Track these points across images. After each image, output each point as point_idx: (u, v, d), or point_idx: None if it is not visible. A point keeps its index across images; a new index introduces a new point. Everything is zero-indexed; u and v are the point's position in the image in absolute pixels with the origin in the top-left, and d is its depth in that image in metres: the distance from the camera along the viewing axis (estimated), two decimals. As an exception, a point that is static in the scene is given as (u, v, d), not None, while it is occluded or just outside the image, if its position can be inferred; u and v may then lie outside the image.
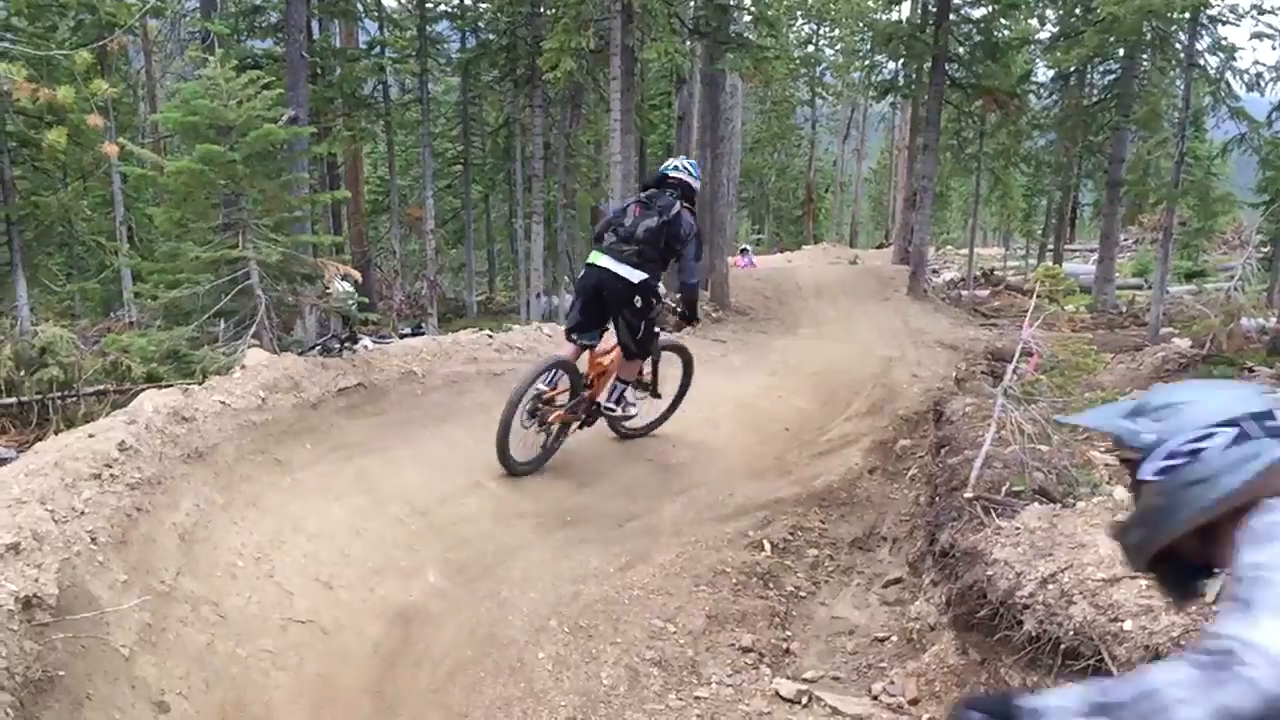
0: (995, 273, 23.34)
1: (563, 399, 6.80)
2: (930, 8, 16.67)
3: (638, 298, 6.75)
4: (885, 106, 32.44)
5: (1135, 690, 1.36)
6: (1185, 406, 1.68)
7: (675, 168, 7.12)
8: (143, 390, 5.84)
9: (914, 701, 4.32)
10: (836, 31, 33.05)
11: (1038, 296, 5.47)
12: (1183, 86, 13.53)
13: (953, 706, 1.71)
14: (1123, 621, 3.36)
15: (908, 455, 7.66)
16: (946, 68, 15.53)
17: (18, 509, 3.55)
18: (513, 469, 6.49)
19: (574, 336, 6.91)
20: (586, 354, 7.00)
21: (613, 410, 7.11)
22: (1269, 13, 13.69)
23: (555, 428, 6.84)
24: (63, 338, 8.30)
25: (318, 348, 7.43)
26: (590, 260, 6.91)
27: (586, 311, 6.85)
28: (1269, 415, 1.62)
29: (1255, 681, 1.26)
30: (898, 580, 5.75)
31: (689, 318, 7.35)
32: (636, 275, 6.69)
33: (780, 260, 25.92)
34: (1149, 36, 14.35)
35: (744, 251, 23.83)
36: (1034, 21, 20.29)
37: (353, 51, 20.10)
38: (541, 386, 6.63)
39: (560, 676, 4.43)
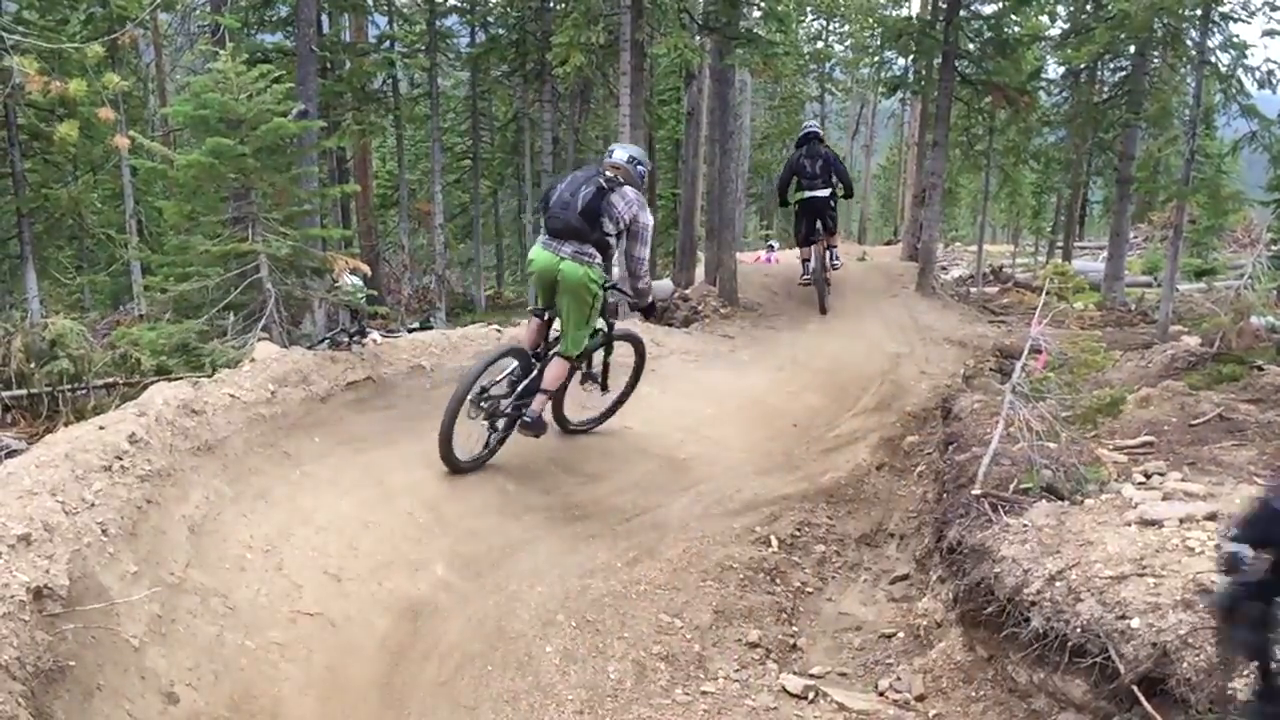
0: (1004, 270, 23.26)
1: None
2: (940, 4, 16.60)
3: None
4: (895, 103, 32.33)
5: None
6: None
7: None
8: (152, 383, 5.87)
9: (920, 698, 4.33)
10: (846, 27, 32.91)
11: (1047, 294, 5.45)
12: (1193, 84, 13.45)
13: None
14: (1130, 619, 3.36)
15: (916, 452, 7.66)
16: (956, 64, 15.45)
17: (29, 500, 3.58)
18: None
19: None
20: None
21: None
22: (1281, 9, 13.62)
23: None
24: (73, 330, 8.34)
25: (326, 341, 7.46)
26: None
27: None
28: None
29: None
30: (905, 577, 5.76)
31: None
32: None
33: (791, 255, 25.91)
34: (1160, 33, 14.27)
35: (770, 247, 23.84)
36: (1045, 18, 20.16)
37: (362, 46, 20.10)
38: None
39: (568, 670, 4.44)
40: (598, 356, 7.25)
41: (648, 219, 6.66)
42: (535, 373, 6.57)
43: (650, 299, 7.07)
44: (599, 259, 6.47)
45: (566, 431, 7.30)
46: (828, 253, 13.12)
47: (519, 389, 6.51)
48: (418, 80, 22.72)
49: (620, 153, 6.73)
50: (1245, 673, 2.92)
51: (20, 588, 3.11)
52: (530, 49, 19.80)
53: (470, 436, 6.32)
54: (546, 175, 19.86)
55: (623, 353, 7.53)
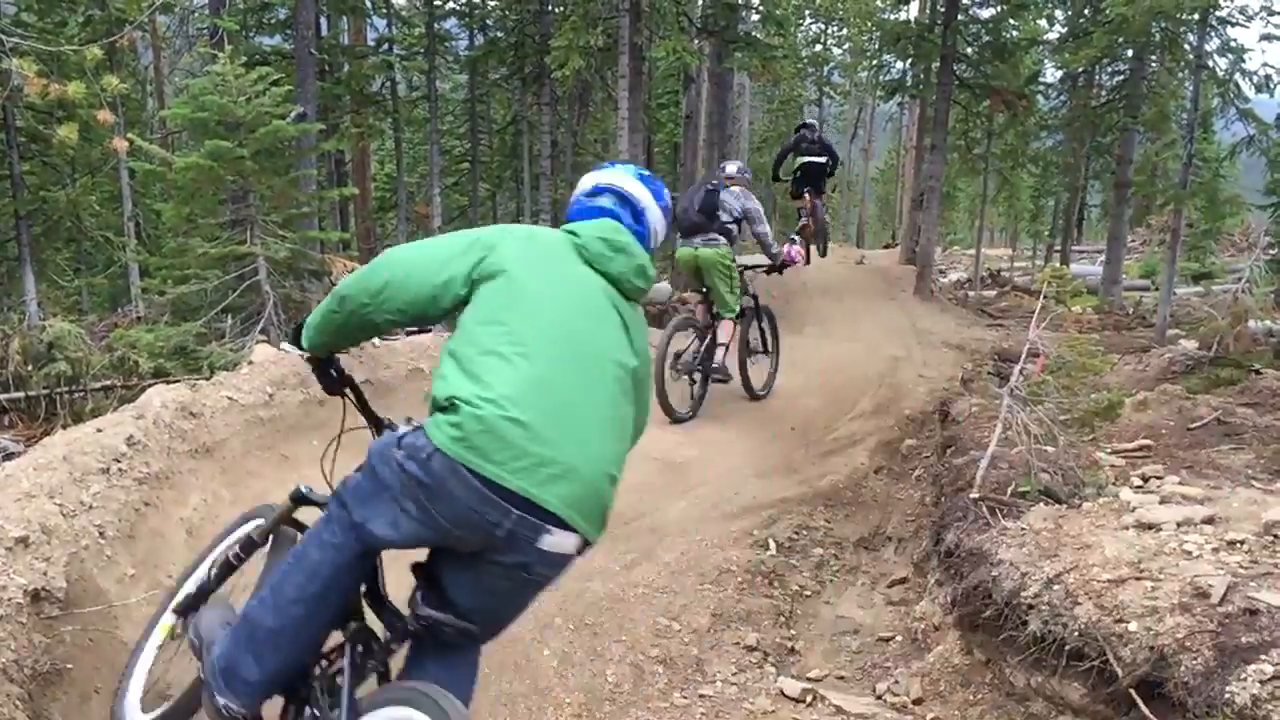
0: (1002, 273, 23.30)
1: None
2: (939, 8, 16.64)
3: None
4: (893, 106, 32.41)
5: None
6: None
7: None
8: (150, 385, 5.87)
9: (918, 701, 4.33)
10: (844, 31, 33.01)
11: (1044, 297, 5.45)
12: (1191, 88, 13.49)
13: None
14: (1128, 623, 3.36)
15: (914, 455, 7.66)
16: (954, 68, 15.50)
17: (26, 503, 3.57)
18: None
19: None
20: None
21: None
22: (1279, 14, 13.66)
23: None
24: (71, 332, 8.34)
25: (325, 344, 7.44)
26: None
27: None
28: None
29: None
30: (903, 580, 5.75)
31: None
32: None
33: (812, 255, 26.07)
34: (1158, 38, 14.30)
35: (792, 241, 24.11)
36: (1043, 22, 20.23)
37: (361, 48, 20.14)
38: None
39: (565, 673, 4.44)
40: (754, 333, 9.25)
41: (756, 205, 8.83)
42: (710, 336, 8.60)
43: (781, 259, 9.05)
44: (724, 240, 8.57)
45: (754, 397, 9.18)
46: (816, 205, 15.05)
47: (702, 351, 8.54)
48: (416, 83, 22.77)
49: (730, 166, 9.21)
50: (1243, 676, 2.92)
51: (18, 590, 3.11)
52: (529, 52, 19.84)
53: (680, 395, 8.31)
54: (545, 178, 19.89)
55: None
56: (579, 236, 2.82)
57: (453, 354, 2.56)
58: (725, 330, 8.63)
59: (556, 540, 2.45)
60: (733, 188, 8.78)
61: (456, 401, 2.42)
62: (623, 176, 3.07)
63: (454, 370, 2.51)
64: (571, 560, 2.57)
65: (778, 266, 9.14)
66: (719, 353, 8.54)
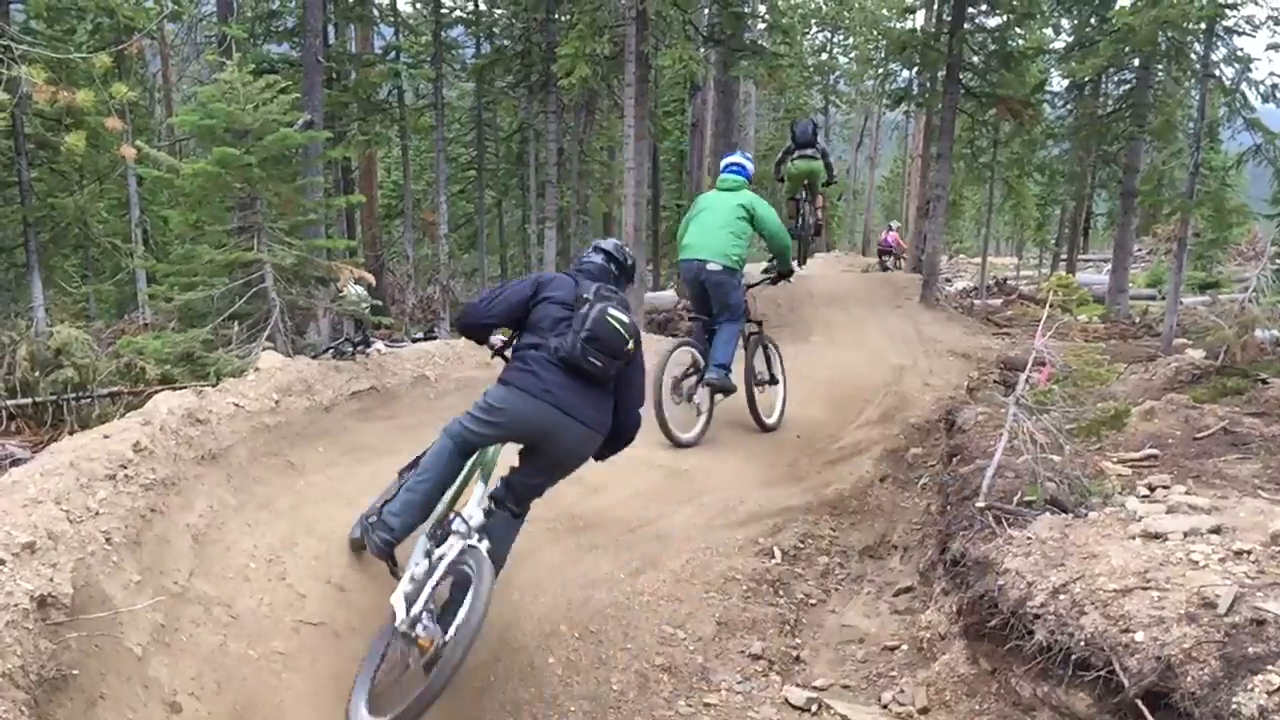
0: (1008, 282, 23.30)
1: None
2: (945, 16, 16.68)
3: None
4: (899, 115, 32.36)
5: None
6: None
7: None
8: (157, 392, 5.87)
9: (924, 710, 4.32)
10: (851, 40, 33.04)
11: (1051, 306, 5.45)
12: (1198, 97, 13.49)
13: None
14: (1134, 632, 3.35)
15: (919, 464, 7.65)
16: (961, 76, 15.50)
17: (33, 508, 3.57)
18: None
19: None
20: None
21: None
22: (1285, 23, 13.64)
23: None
24: (78, 339, 8.36)
25: (331, 351, 7.46)
26: None
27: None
28: None
29: None
30: (908, 589, 5.75)
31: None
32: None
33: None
34: (1164, 47, 14.30)
35: (890, 228, 24.97)
36: (1049, 31, 20.28)
37: (368, 56, 20.18)
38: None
39: (570, 681, 4.44)
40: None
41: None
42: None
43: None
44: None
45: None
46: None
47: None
48: (423, 91, 22.80)
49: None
50: (1250, 686, 2.91)
51: (24, 596, 3.11)
52: (536, 60, 19.87)
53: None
54: (551, 186, 19.93)
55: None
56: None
57: None
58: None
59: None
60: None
61: None
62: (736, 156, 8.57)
63: None
64: None
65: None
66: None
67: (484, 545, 4.16)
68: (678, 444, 7.73)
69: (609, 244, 5.21)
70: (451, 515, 4.45)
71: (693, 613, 5.18)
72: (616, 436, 4.78)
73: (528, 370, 4.56)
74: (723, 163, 8.71)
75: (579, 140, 21.36)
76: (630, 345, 4.52)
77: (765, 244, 8.47)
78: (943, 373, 10.98)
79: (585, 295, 4.63)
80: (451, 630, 3.75)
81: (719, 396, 8.15)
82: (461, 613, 3.77)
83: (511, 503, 4.68)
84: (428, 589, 4.07)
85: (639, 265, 7.18)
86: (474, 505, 4.44)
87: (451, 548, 4.20)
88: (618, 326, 4.45)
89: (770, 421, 8.61)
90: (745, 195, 8.16)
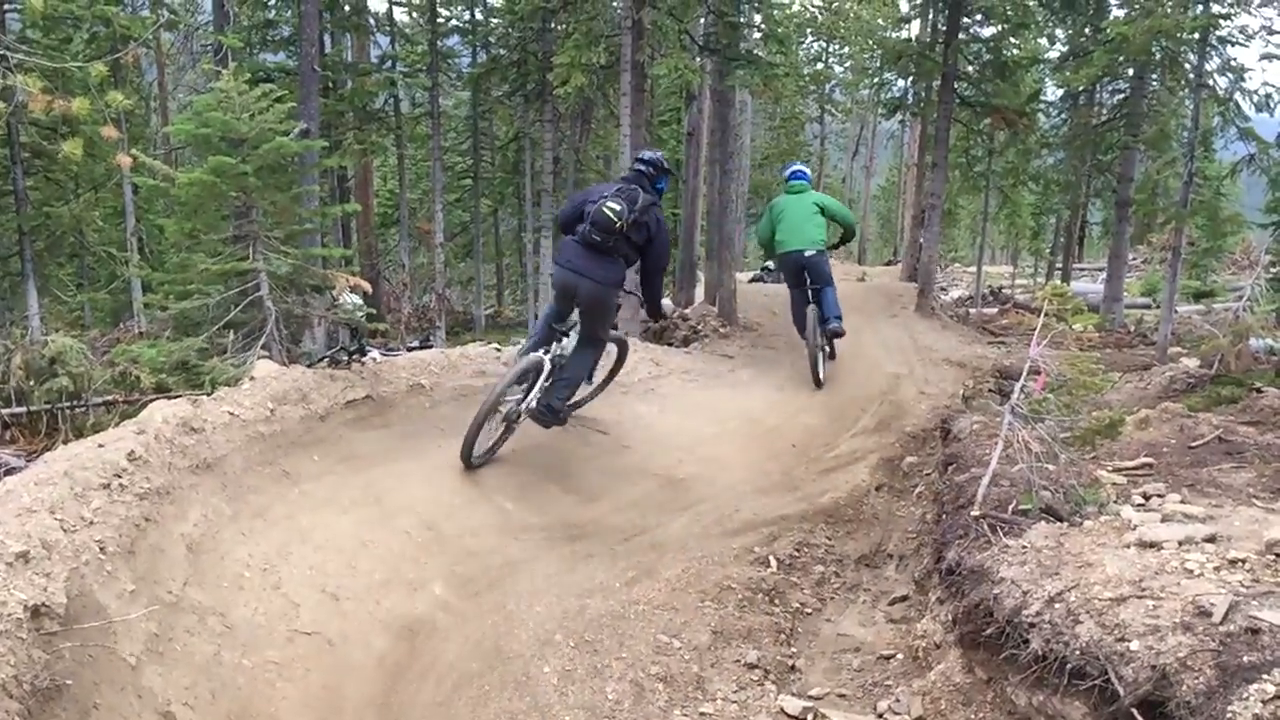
0: (1003, 291, 23.33)
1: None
2: (940, 26, 16.71)
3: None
4: (894, 124, 32.51)
5: None
6: None
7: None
8: (152, 401, 5.86)
9: (919, 719, 4.31)
10: (846, 49, 33.10)
11: (1045, 315, 5.45)
12: (1192, 107, 13.50)
13: None
14: (1129, 641, 3.35)
15: (915, 472, 7.66)
16: (955, 86, 15.52)
17: (27, 518, 3.57)
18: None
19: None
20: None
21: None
22: (1279, 34, 13.72)
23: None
24: (73, 348, 8.33)
25: (326, 359, 7.46)
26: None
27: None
28: None
29: None
30: (904, 598, 5.74)
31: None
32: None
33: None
34: (1158, 57, 14.33)
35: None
36: (1043, 41, 20.33)
37: (364, 65, 20.20)
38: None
39: (565, 691, 4.43)
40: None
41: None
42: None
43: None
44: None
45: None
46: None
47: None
48: (419, 100, 22.85)
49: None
50: (1245, 695, 2.91)
51: (18, 605, 3.10)
52: (531, 69, 19.91)
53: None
54: (547, 195, 19.96)
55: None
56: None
57: None
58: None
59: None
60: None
61: None
62: (798, 165, 11.44)
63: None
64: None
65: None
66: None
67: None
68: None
69: (646, 153, 7.53)
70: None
71: (688, 622, 5.18)
72: (648, 297, 7.54)
73: (564, 249, 6.96)
74: (786, 172, 11.39)
75: (575, 149, 21.37)
76: (619, 224, 6.67)
77: (837, 224, 11.11)
78: (938, 381, 11.00)
79: (604, 194, 6.93)
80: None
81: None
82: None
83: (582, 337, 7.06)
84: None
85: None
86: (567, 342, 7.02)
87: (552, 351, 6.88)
88: (608, 212, 6.68)
89: (822, 377, 10.36)
90: (814, 194, 10.93)
